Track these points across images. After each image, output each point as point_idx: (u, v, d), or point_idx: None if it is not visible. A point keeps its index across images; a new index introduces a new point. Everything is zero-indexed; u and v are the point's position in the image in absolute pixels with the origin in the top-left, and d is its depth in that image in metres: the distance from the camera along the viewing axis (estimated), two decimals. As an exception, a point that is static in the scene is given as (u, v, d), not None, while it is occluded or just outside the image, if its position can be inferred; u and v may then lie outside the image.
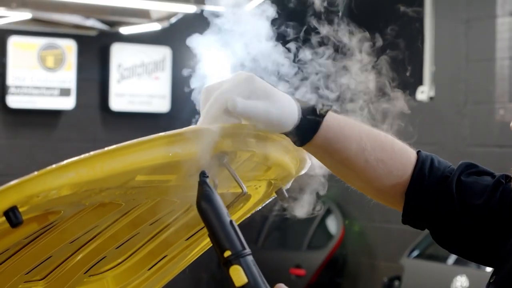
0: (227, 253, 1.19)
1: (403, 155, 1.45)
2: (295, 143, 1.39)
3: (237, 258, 1.19)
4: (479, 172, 1.47)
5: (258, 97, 1.31)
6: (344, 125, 1.40)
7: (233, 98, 1.29)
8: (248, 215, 1.62)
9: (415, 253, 6.70)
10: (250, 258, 1.20)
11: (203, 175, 1.24)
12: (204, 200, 1.22)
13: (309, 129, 1.36)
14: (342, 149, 1.40)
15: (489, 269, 1.42)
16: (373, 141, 1.42)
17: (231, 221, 1.22)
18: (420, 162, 1.45)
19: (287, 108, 1.33)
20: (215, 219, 1.21)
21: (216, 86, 1.33)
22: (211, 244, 1.23)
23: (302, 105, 1.36)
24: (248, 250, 1.20)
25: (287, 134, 1.37)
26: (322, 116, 1.36)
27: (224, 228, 1.20)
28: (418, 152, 1.47)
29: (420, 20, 6.98)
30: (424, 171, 1.44)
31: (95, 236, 1.39)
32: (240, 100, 1.29)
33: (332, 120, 1.38)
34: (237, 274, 1.18)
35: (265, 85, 1.33)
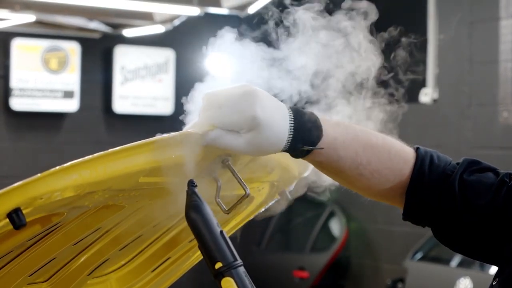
0: (218, 265, 1.18)
1: (400, 160, 1.43)
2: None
3: (228, 269, 1.17)
4: (482, 168, 1.45)
5: (249, 129, 1.27)
6: (339, 145, 1.36)
7: (212, 132, 1.26)
8: (251, 217, 1.62)
9: (419, 255, 6.70)
10: (242, 270, 1.18)
11: (191, 184, 1.22)
12: (193, 210, 1.20)
13: (299, 154, 1.34)
14: (335, 166, 1.39)
15: (492, 271, 1.41)
16: (370, 154, 1.40)
17: (221, 232, 1.20)
18: (420, 160, 1.43)
19: (276, 141, 1.29)
20: (205, 230, 1.19)
21: (217, 95, 1.29)
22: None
23: (297, 130, 1.31)
24: (239, 261, 1.19)
25: None
26: (314, 144, 1.33)
27: (214, 239, 1.18)
28: (417, 149, 1.45)
29: (423, 22, 6.97)
30: (424, 169, 1.43)
31: (98, 238, 1.39)
32: (218, 135, 1.26)
33: (327, 145, 1.35)
34: (229, 287, 1.17)
35: (263, 117, 1.27)
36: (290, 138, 1.30)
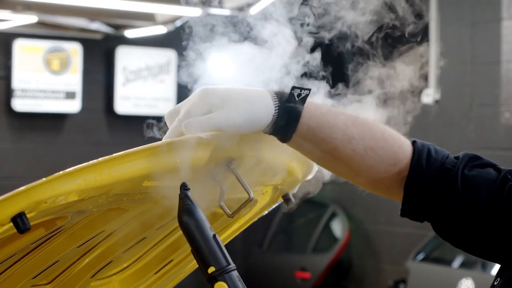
0: (211, 269, 1.16)
1: (395, 143, 1.41)
2: (281, 139, 1.35)
3: (221, 274, 1.16)
4: (483, 164, 1.43)
5: (218, 108, 1.28)
6: (327, 113, 1.36)
7: (185, 122, 1.27)
8: (254, 220, 1.62)
9: (421, 256, 6.70)
10: (235, 274, 1.17)
11: (184, 187, 1.21)
12: (186, 214, 1.19)
13: (290, 118, 1.33)
14: (328, 139, 1.36)
15: (494, 272, 1.40)
16: (361, 129, 1.38)
17: (214, 235, 1.18)
18: (417, 153, 1.41)
19: (258, 105, 1.30)
20: (197, 234, 1.18)
21: (176, 112, 1.32)
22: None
23: (280, 95, 1.32)
24: (232, 265, 1.18)
25: (271, 132, 1.34)
26: (302, 102, 1.33)
27: (207, 243, 1.17)
28: (413, 143, 1.43)
29: (425, 23, 6.96)
30: (421, 162, 1.40)
31: (102, 241, 1.39)
32: (192, 120, 1.27)
33: (314, 108, 1.35)
34: None
35: (221, 92, 1.30)
36: (275, 97, 1.31)
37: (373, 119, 1.43)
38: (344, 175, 1.44)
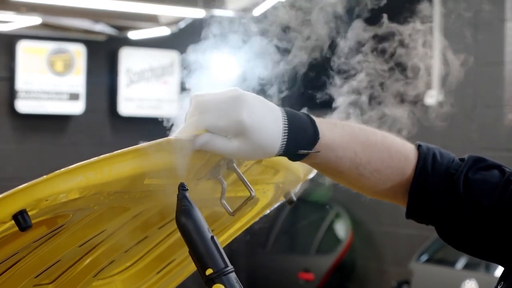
0: (209, 271, 1.16)
1: (401, 158, 1.40)
2: None
3: (219, 276, 1.16)
4: (487, 166, 1.43)
5: (237, 134, 1.24)
6: (338, 146, 1.34)
7: (202, 136, 1.23)
8: (256, 219, 1.62)
9: (424, 257, 6.69)
10: (233, 276, 1.17)
11: (182, 188, 1.20)
12: (183, 215, 1.18)
13: (294, 158, 1.32)
14: (334, 167, 1.36)
15: (498, 274, 1.40)
16: (369, 153, 1.37)
17: (212, 237, 1.18)
18: (422, 158, 1.41)
19: (269, 146, 1.26)
20: (195, 235, 1.17)
21: (204, 99, 1.27)
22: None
23: (291, 134, 1.28)
24: (230, 267, 1.17)
25: None
26: (311, 147, 1.30)
27: (205, 245, 1.17)
28: (418, 147, 1.42)
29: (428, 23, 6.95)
30: (426, 168, 1.40)
31: (104, 240, 1.39)
32: (208, 139, 1.23)
33: (324, 143, 1.32)
34: None
35: (250, 122, 1.24)
36: (285, 142, 1.27)
37: (379, 132, 1.42)
38: (349, 188, 1.45)
